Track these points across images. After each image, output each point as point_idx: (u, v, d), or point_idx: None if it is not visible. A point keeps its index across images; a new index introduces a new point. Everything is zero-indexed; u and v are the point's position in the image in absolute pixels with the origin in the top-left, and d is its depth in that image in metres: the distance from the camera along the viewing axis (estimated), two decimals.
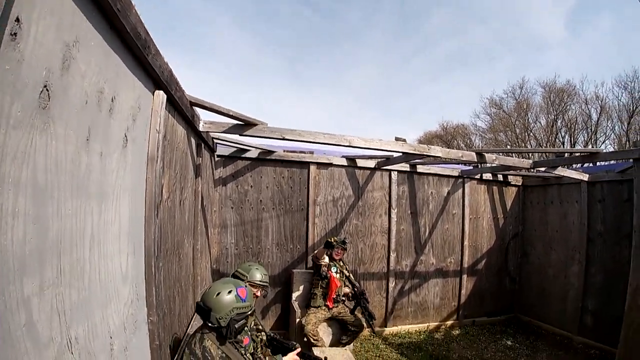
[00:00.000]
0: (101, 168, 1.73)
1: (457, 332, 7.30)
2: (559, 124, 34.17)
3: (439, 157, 5.58)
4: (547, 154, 18.37)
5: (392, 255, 6.91)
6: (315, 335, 5.16)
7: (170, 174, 2.99)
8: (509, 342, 6.93)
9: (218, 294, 2.76)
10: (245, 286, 2.93)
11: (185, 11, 52.21)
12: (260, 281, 3.83)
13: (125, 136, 2.02)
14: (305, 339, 5.13)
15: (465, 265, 7.58)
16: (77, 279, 1.54)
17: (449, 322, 7.48)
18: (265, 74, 60.25)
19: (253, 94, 57.85)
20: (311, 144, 4.88)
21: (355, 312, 5.54)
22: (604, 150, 5.96)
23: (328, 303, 5.48)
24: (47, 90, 1.27)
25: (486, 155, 5.70)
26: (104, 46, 1.70)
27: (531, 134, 35.21)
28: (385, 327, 6.90)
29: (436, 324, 7.36)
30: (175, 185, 3.15)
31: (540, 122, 35.48)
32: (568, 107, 33.76)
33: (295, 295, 5.94)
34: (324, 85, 62.30)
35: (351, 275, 5.87)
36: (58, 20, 1.32)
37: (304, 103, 61.92)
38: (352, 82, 61.58)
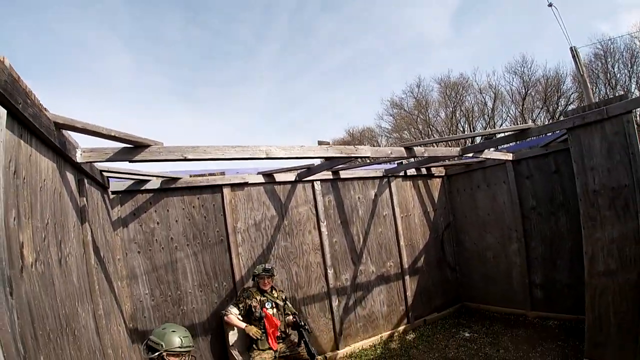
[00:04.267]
0: None
1: (412, 336, 6.84)
2: (457, 115, 37.01)
3: (368, 157, 5.05)
4: (473, 138, 18.85)
5: (330, 272, 6.28)
6: None
7: (35, 226, 2.09)
8: (467, 334, 6.66)
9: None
10: None
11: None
12: (180, 347, 3.04)
13: None
14: None
15: (406, 265, 7.18)
16: None
17: (401, 328, 7.01)
18: (160, 97, 57.87)
19: (148, 121, 54.64)
20: (220, 161, 4.08)
21: (302, 344, 4.86)
22: (533, 126, 5.83)
23: (271, 344, 4.73)
24: None
25: (415, 148, 5.33)
26: None
27: (433, 127, 37.59)
28: (338, 349, 6.23)
29: (388, 332, 6.85)
30: (46, 240, 2.24)
31: (440, 116, 38.32)
32: (464, 99, 36.90)
33: (232, 340, 5.05)
34: (222, 105, 61.69)
35: (288, 303, 5.16)
36: None
37: (203, 124, 60.11)
38: (251, 99, 61.57)
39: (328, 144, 4.61)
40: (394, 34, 53.50)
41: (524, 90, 33.83)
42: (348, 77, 59.01)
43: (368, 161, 6.92)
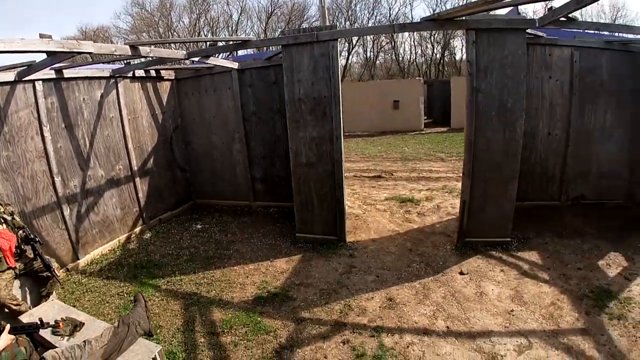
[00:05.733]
0: None
1: (149, 235, 7.22)
2: (201, 23, 35.97)
3: (91, 53, 4.78)
4: (199, 43, 18.39)
5: (57, 180, 5.87)
6: (14, 300, 4.15)
7: None
8: (199, 226, 7.44)
9: None
10: None
11: None
12: None
13: None
14: (6, 310, 4.08)
15: (135, 168, 7.25)
16: None
17: (137, 229, 7.27)
18: None
19: None
20: None
21: (37, 258, 4.64)
22: (255, 39, 6.41)
23: (9, 263, 4.39)
24: None
25: (140, 48, 5.28)
26: None
27: (175, 33, 35.60)
28: (78, 260, 6.11)
29: (126, 235, 7.02)
30: None
31: (183, 22, 36.64)
32: (210, 7, 36.15)
33: None
34: None
35: (16, 216, 4.77)
36: None
37: None
38: None
39: (50, 37, 4.25)
40: None
41: (270, 9, 35.54)
42: None
43: (91, 60, 6.43)
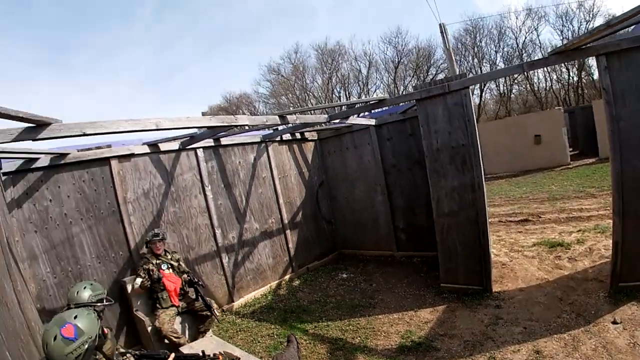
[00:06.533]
0: None
1: (297, 282, 7.67)
2: (333, 81, 38.26)
3: (246, 125, 5.56)
4: (338, 107, 20.05)
5: (218, 232, 6.75)
6: (175, 333, 4.85)
7: None
8: (345, 275, 7.66)
9: (47, 345, 2.29)
10: (71, 322, 2.44)
11: None
12: (89, 299, 3.38)
13: None
14: (166, 342, 4.78)
15: (286, 221, 7.93)
16: None
17: (287, 276, 7.81)
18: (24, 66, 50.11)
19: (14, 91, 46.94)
20: (114, 134, 4.29)
21: (199, 299, 5.35)
22: (389, 97, 6.79)
23: (173, 302, 5.14)
24: None
25: (288, 116, 5.94)
26: None
27: (310, 93, 38.45)
28: (233, 302, 6.83)
29: (276, 281, 7.60)
30: None
31: (317, 82, 39.15)
32: (340, 66, 38.12)
33: (136, 304, 5.34)
34: (95, 71, 55.24)
35: (181, 263, 5.58)
36: None
37: (77, 94, 54.99)
38: (125, 65, 57.04)
39: (210, 115, 5.03)
40: None
41: (397, 59, 36.15)
42: (223, 42, 58.23)
43: (247, 128, 7.37)
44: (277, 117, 5.83)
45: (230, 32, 57.75)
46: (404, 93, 7.04)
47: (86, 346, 2.35)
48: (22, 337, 2.94)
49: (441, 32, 15.36)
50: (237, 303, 6.86)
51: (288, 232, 7.93)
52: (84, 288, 3.52)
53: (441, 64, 34.42)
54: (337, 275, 7.70)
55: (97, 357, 2.59)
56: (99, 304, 3.45)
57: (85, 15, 51.37)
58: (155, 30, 56.83)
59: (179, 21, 56.42)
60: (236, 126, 5.40)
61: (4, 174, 4.63)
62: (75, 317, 2.41)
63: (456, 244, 6.03)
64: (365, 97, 35.15)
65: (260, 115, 6.52)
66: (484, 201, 5.73)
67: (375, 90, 37.12)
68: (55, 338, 2.26)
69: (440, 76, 33.04)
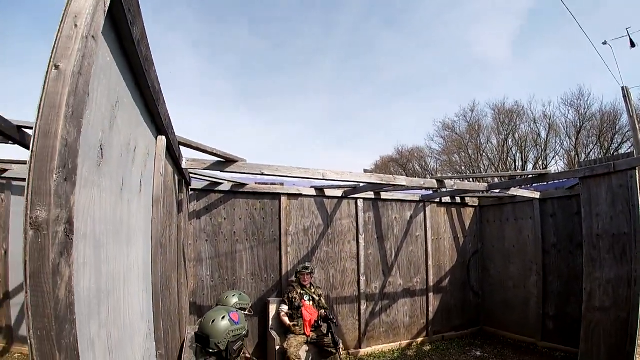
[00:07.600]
0: (128, 214, 1.89)
1: (428, 347, 7.56)
2: (509, 143, 35.96)
3: (403, 185, 5.93)
4: (500, 177, 19.41)
5: (362, 279, 7.15)
6: (298, 358, 5.31)
7: (164, 212, 3.12)
8: (478, 353, 7.27)
9: (213, 321, 2.95)
10: (237, 310, 3.15)
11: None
12: (234, 305, 4.03)
13: (140, 182, 2.17)
14: None
15: (431, 283, 7.92)
16: (117, 318, 1.68)
17: (420, 339, 7.74)
18: (218, 100, 60.86)
19: (205, 120, 57.19)
20: (287, 178, 5.12)
21: (329, 335, 5.74)
22: (552, 171, 6.52)
23: (306, 331, 5.66)
24: (101, 149, 1.43)
25: (445, 181, 6.15)
26: (131, 101, 1.87)
27: (484, 154, 36.74)
28: (360, 348, 7.08)
29: (407, 341, 7.60)
30: (166, 222, 3.27)
31: (492, 142, 37.19)
32: (517, 127, 35.71)
33: (272, 323, 6.04)
34: (277, 112, 63.47)
35: (322, 299, 6.07)
36: (107, 83, 1.49)
37: (257, 128, 62.39)
38: (304, 109, 63.01)
39: (372, 172, 5.59)
40: (453, 54, 53.48)
41: (579, 124, 32.92)
42: (403, 94, 59.65)
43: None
44: (434, 181, 6.13)
45: (407, 86, 58.86)
46: (585, 161, 6.55)
47: (242, 332, 3.09)
48: (171, 318, 3.73)
49: (624, 96, 13.55)
50: (364, 351, 7.09)
51: (431, 295, 7.91)
52: (234, 295, 4.31)
53: (627, 131, 29.84)
54: (471, 352, 7.37)
55: (243, 344, 3.29)
56: (240, 312, 4.17)
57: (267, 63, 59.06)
58: (334, 77, 60.82)
59: (357, 70, 59.63)
60: (393, 185, 5.85)
61: (192, 189, 5.82)
62: (237, 310, 3.19)
63: (600, 345, 5.43)
64: (543, 163, 32.68)
65: (419, 178, 6.79)
66: (638, 301, 5.09)
67: (554, 157, 33.89)
68: (223, 318, 3.01)
69: (626, 146, 28.89)
